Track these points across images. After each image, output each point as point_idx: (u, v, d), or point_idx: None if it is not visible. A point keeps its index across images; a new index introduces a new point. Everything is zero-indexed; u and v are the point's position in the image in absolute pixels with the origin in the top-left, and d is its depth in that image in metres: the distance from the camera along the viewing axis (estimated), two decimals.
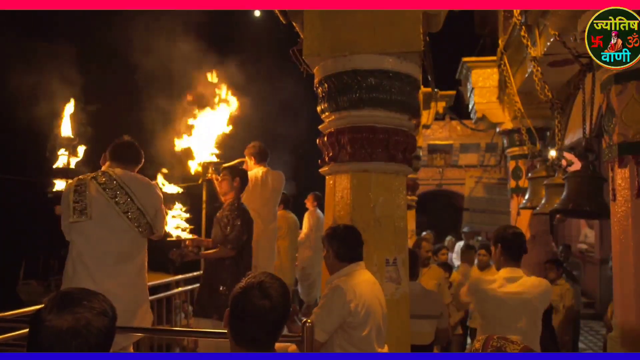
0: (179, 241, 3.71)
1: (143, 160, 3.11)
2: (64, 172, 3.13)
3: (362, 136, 2.69)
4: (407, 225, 2.92)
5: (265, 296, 1.49)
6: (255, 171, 4.55)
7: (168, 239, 3.60)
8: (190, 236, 3.84)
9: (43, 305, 1.23)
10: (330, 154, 2.83)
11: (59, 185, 3.12)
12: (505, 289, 2.88)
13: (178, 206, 3.88)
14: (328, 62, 2.80)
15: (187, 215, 3.92)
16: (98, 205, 2.74)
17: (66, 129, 3.20)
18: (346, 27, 2.74)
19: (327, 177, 2.94)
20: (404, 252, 2.81)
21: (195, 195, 4.47)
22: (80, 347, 1.20)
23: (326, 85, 2.83)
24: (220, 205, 4.10)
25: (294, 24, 3.14)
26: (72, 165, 3.21)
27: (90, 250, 2.71)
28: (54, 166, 3.13)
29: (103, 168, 2.93)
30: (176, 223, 3.80)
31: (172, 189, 4.00)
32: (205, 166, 4.43)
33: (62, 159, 3.18)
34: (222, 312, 3.65)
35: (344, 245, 2.51)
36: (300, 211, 6.88)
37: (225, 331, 1.57)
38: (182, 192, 4.03)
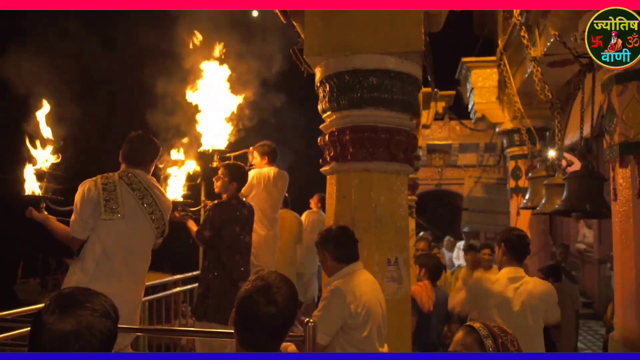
0: (175, 203, 3.61)
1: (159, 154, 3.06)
2: (41, 176, 3.02)
3: (364, 136, 2.68)
4: (408, 224, 2.92)
5: (271, 302, 1.45)
6: (267, 171, 4.52)
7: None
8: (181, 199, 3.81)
9: (44, 306, 1.22)
10: (332, 153, 2.82)
11: (31, 187, 3.01)
12: (507, 288, 2.89)
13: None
14: (329, 61, 2.80)
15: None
16: (129, 204, 2.77)
17: (45, 129, 3.07)
18: (347, 26, 2.74)
19: (328, 177, 2.94)
20: (405, 251, 2.81)
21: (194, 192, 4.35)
22: (82, 350, 1.19)
23: (327, 85, 2.82)
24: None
25: (295, 23, 3.13)
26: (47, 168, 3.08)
27: (118, 248, 2.73)
28: (35, 168, 3.01)
29: (122, 169, 2.93)
30: (176, 186, 3.81)
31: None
32: (210, 154, 4.23)
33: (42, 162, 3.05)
34: (197, 313, 3.66)
35: (340, 246, 2.49)
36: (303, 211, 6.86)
37: (223, 331, 1.57)
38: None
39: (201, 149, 4.22)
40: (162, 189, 3.05)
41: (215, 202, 3.86)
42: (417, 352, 3.82)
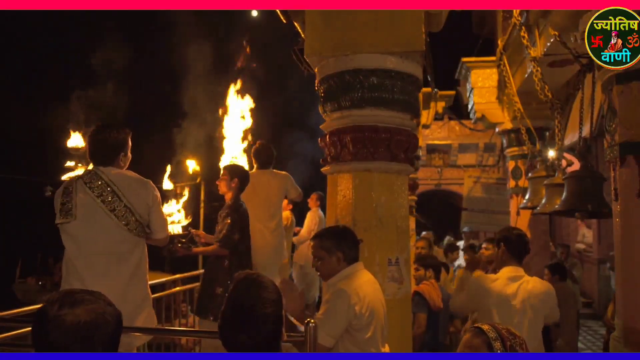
0: (171, 237, 3.52)
1: (127, 147, 2.82)
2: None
3: (364, 135, 2.68)
4: (409, 224, 2.91)
5: (243, 332, 1.48)
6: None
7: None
8: (180, 230, 3.77)
9: (48, 305, 1.21)
10: (332, 153, 2.82)
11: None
12: (506, 287, 2.89)
13: (172, 202, 3.84)
14: (330, 61, 2.80)
15: (181, 209, 3.85)
16: (83, 205, 2.63)
17: (75, 139, 3.07)
18: (348, 26, 2.74)
19: (328, 177, 2.93)
20: (406, 251, 2.81)
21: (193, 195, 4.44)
22: (101, 337, 1.20)
23: (328, 84, 2.82)
24: (219, 204, 4.09)
25: (295, 23, 3.13)
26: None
27: (78, 251, 2.62)
28: (66, 165, 3.03)
29: (91, 169, 2.80)
30: (169, 219, 3.69)
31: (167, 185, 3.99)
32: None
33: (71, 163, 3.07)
34: (217, 313, 3.64)
35: (354, 247, 2.44)
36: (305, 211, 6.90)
37: None
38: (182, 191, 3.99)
39: (228, 163, 4.38)
40: (147, 183, 2.80)
41: (229, 204, 3.86)
42: (426, 351, 3.83)
